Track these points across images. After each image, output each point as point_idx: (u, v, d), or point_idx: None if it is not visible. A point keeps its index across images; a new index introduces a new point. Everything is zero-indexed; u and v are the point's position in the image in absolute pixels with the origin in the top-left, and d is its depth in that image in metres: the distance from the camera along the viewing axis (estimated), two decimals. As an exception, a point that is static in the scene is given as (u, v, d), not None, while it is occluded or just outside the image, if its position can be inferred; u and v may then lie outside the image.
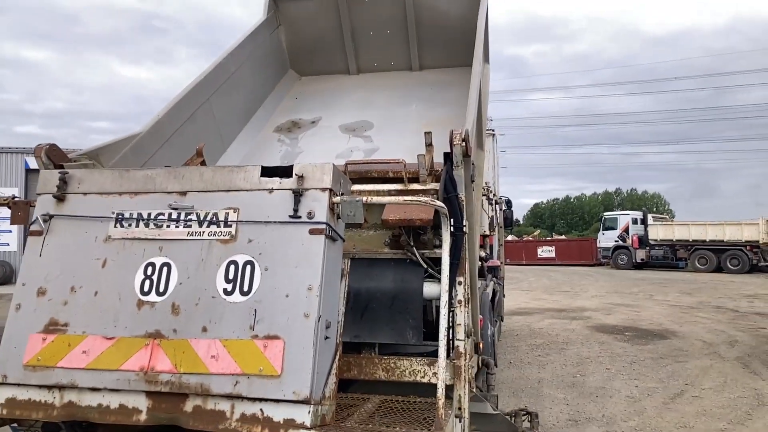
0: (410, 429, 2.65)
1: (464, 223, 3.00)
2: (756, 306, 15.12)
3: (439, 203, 2.78)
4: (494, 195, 9.27)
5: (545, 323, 12.35)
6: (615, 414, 6.09)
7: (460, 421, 2.81)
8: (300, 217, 2.50)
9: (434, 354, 2.84)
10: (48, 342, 2.53)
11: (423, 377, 2.98)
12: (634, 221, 31.54)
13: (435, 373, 2.87)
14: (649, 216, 31.21)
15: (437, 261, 2.98)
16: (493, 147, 9.87)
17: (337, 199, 2.54)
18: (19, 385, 2.52)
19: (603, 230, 33.15)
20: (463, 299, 3.00)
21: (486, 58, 6.29)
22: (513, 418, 4.04)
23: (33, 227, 2.74)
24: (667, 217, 35.80)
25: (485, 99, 5.75)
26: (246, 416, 2.30)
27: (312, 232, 2.47)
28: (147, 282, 2.54)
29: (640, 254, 30.10)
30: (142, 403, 2.39)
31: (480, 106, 4.82)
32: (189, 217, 2.60)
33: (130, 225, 2.65)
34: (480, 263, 7.75)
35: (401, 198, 2.98)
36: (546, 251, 36.38)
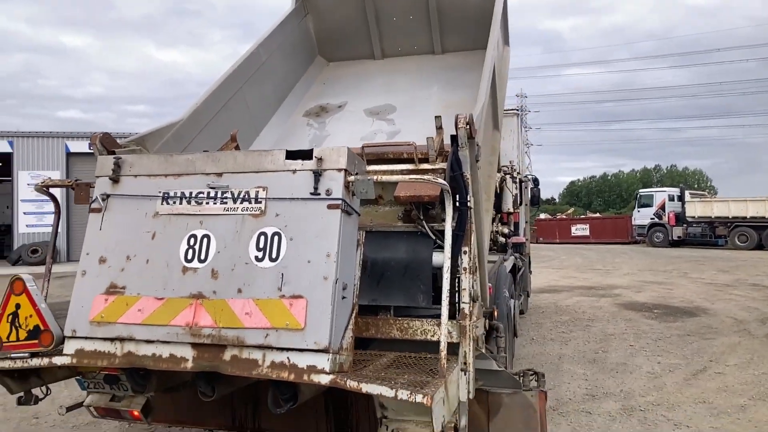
0: (417, 376, 2.93)
1: (468, 199, 3.26)
2: (795, 283, 14.69)
3: (442, 181, 3.03)
4: (518, 173, 9.25)
5: (573, 300, 12.27)
6: (633, 389, 6.08)
7: (465, 374, 3.13)
8: (319, 194, 2.88)
9: (433, 315, 3.21)
10: (109, 302, 3.01)
11: (432, 336, 3.26)
12: (671, 198, 30.76)
13: (439, 329, 3.16)
14: (687, 192, 30.40)
15: (439, 232, 3.33)
16: (517, 126, 9.82)
17: (351, 178, 2.90)
18: (86, 338, 3.00)
19: (638, 207, 32.44)
20: (468, 267, 3.27)
21: (505, 40, 6.66)
22: (522, 378, 4.13)
23: (93, 205, 3.22)
24: (705, 193, 34.78)
25: (502, 81, 6.04)
26: (275, 363, 2.70)
27: (330, 207, 2.86)
28: (190, 251, 2.98)
29: (677, 232, 29.42)
30: (188, 353, 2.84)
31: (494, 88, 5.11)
32: (225, 195, 3.03)
33: (174, 202, 3.10)
34: (503, 239, 7.97)
35: (407, 177, 3.37)
36: (580, 229, 35.88)
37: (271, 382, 2.89)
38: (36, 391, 3.44)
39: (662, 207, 30.73)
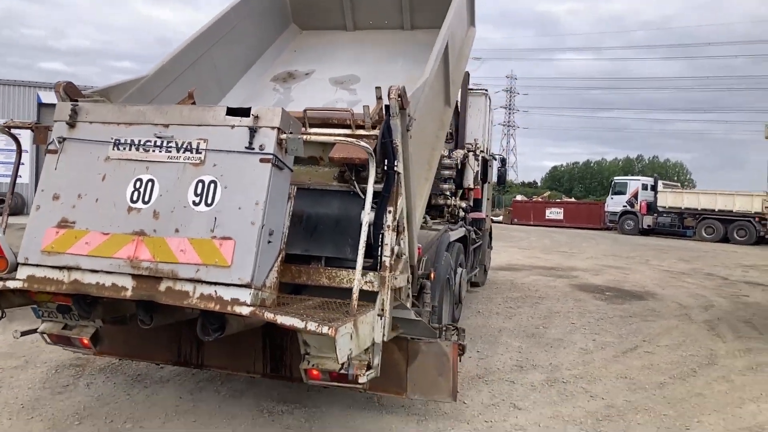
0: (332, 314, 3.31)
1: (395, 165, 3.67)
2: (749, 275, 15.07)
3: (365, 144, 3.39)
4: (481, 151, 9.53)
5: (529, 279, 12.48)
6: (562, 363, 6.26)
7: (381, 319, 3.54)
8: (253, 148, 3.22)
9: (368, 268, 3.58)
10: (60, 234, 3.33)
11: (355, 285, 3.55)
12: (644, 187, 31.14)
13: (367, 281, 3.61)
14: (660, 183, 30.79)
15: (377, 194, 3.64)
16: (485, 106, 10.02)
17: (284, 136, 3.22)
18: (37, 265, 3.34)
19: (612, 195, 32.80)
20: (391, 225, 3.68)
21: (471, 21, 7.14)
22: (444, 331, 4.72)
23: (50, 147, 3.51)
24: (678, 185, 35.24)
25: (460, 60, 6.48)
26: (204, 295, 3.10)
27: (262, 160, 3.20)
28: (135, 193, 3.32)
29: (647, 220, 29.84)
30: (128, 283, 3.20)
31: (446, 66, 5.53)
32: (169, 144, 3.35)
33: (124, 148, 3.41)
34: (463, 213, 8.41)
35: (332, 138, 3.74)
36: (554, 213, 36.21)
37: (201, 313, 3.31)
38: None
39: (635, 195, 31.13)
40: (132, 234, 3.23)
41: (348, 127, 4.13)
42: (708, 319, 8.94)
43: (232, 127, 3.28)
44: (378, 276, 3.60)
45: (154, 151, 3.35)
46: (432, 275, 5.24)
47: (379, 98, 3.92)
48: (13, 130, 4.00)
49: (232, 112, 3.32)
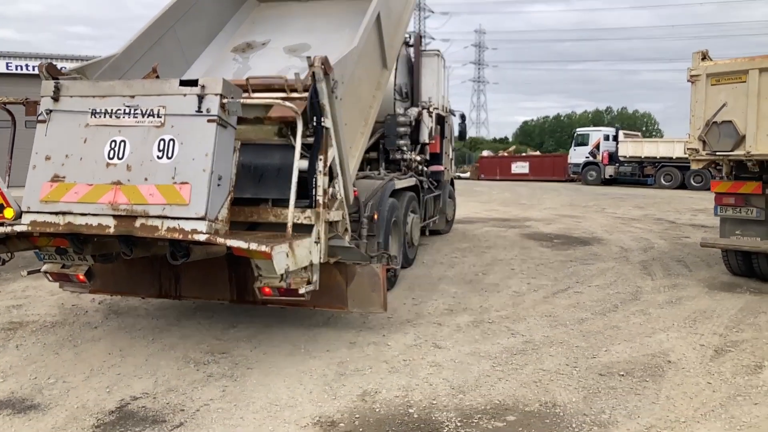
0: (269, 236, 4.22)
1: (323, 121, 4.50)
2: (696, 219, 15.56)
3: (290, 104, 4.22)
4: (435, 108, 10.05)
5: (482, 231, 12.72)
6: (492, 305, 6.51)
7: (317, 245, 4.46)
8: (202, 111, 3.95)
9: (307, 206, 4.51)
10: (53, 187, 4.08)
11: (298, 220, 4.43)
12: (606, 138, 31.55)
13: (306, 216, 4.50)
14: (621, 133, 31.23)
15: (310, 146, 4.52)
16: (438, 66, 10.55)
17: (225, 101, 3.97)
18: (37, 212, 4.09)
19: (575, 146, 33.19)
20: (321, 170, 4.52)
21: None
22: (378, 258, 5.83)
23: (40, 118, 4.25)
24: (638, 134, 35.73)
25: (398, 25, 7.32)
26: (169, 228, 3.86)
27: (209, 121, 3.94)
28: (111, 151, 4.06)
29: (609, 170, 30.40)
30: (110, 222, 3.96)
31: (380, 33, 6.31)
32: (136, 111, 4.08)
33: (100, 116, 4.14)
34: (419, 166, 9.29)
35: (268, 101, 4.53)
36: (520, 167, 36.62)
37: (169, 242, 4.16)
38: (2, 256, 4.65)
39: (597, 146, 31.56)
40: (111, 184, 4.00)
41: (284, 90, 4.75)
42: (644, 259, 9.29)
43: (185, 95, 4.01)
44: (314, 212, 4.48)
45: (124, 117, 4.10)
46: (375, 216, 6.37)
47: (311, 65, 4.50)
48: (8, 106, 4.87)
49: (183, 83, 4.06)
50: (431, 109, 9.82)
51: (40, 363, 4.74)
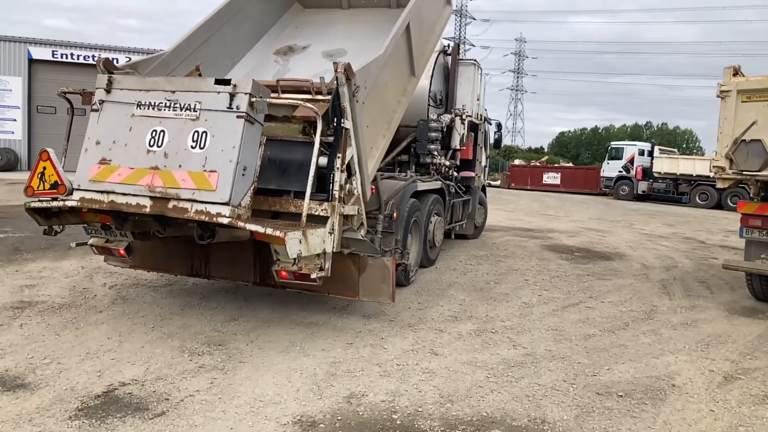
0: (287, 224, 4.50)
1: (343, 122, 4.80)
2: (728, 240, 15.05)
3: (311, 106, 4.51)
4: (468, 116, 10.27)
5: (502, 239, 12.53)
6: (498, 315, 6.38)
7: (330, 235, 4.78)
8: (232, 108, 4.36)
9: (323, 199, 4.79)
10: (100, 169, 4.58)
11: (315, 212, 4.73)
12: (641, 152, 30.85)
13: (323, 209, 4.77)
14: (657, 148, 30.49)
15: (330, 144, 4.81)
16: (474, 75, 10.75)
17: (253, 99, 4.35)
18: (86, 190, 4.60)
19: (608, 160, 32.52)
20: (339, 167, 4.83)
21: (447, 0, 8.29)
22: (391, 252, 6.48)
23: (93, 107, 4.78)
24: (675, 150, 34.81)
25: (430, 35, 7.65)
26: (198, 210, 4.28)
27: (238, 117, 4.34)
28: (152, 140, 4.52)
29: (642, 186, 29.70)
30: (147, 202, 4.42)
31: (409, 42, 6.64)
32: (175, 105, 4.53)
33: (144, 108, 4.61)
34: (449, 171, 9.75)
35: (293, 101, 4.76)
36: (551, 178, 36.07)
37: (197, 223, 4.66)
38: (56, 227, 5.05)
39: (631, 161, 30.88)
40: (149, 168, 4.45)
41: (310, 93, 5.14)
42: (665, 278, 9.01)
43: (218, 93, 4.42)
44: (330, 205, 4.79)
45: (164, 110, 4.55)
46: (395, 215, 6.82)
47: (335, 71, 4.80)
48: (67, 95, 5.32)
49: (218, 81, 4.46)
50: (464, 117, 10.07)
51: (39, 343, 4.82)
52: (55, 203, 4.71)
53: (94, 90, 4.81)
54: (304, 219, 4.43)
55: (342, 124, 4.79)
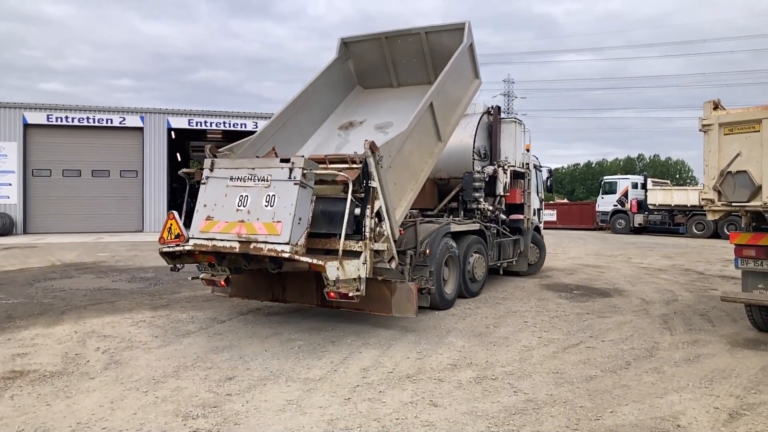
0: (332, 256, 6.20)
1: (370, 182, 6.45)
2: (726, 270, 15.03)
3: (344, 174, 6.29)
4: (510, 166, 11.87)
5: (499, 280, 12.46)
6: (498, 360, 6.28)
7: (364, 265, 6.31)
8: (291, 178, 6.09)
9: (359, 238, 6.39)
10: (206, 223, 6.42)
11: (352, 248, 6.34)
12: (634, 185, 31.13)
13: (358, 245, 6.35)
14: (649, 180, 30.73)
15: (361, 199, 6.45)
16: (515, 131, 12.35)
17: (306, 171, 6.10)
18: (197, 238, 6.44)
19: (602, 194, 32.77)
20: (368, 214, 6.43)
21: (475, 74, 9.77)
22: (418, 279, 8.16)
23: (202, 181, 6.72)
24: (668, 182, 35.07)
25: (456, 106, 9.19)
26: (269, 248, 5.96)
27: (295, 184, 6.06)
28: (240, 202, 6.31)
29: (638, 219, 29.83)
30: (236, 245, 6.17)
31: (434, 116, 8.23)
32: (255, 177, 6.31)
33: (235, 180, 6.45)
34: (491, 214, 11.16)
35: (332, 171, 6.49)
36: (547, 215, 36.02)
37: (269, 258, 6.08)
38: (178, 266, 7.15)
39: (625, 194, 31.08)
40: (237, 222, 6.24)
41: (347, 162, 6.72)
42: (665, 313, 8.93)
43: (282, 168, 6.17)
44: (363, 243, 6.36)
45: (248, 181, 6.34)
46: (428, 252, 8.37)
47: (364, 147, 6.50)
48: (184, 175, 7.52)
49: (282, 160, 6.22)
50: (506, 167, 11.61)
51: (30, 414, 4.71)
52: (178, 249, 6.68)
53: (198, 169, 6.98)
54: (340, 252, 6.06)
55: (369, 184, 6.43)
